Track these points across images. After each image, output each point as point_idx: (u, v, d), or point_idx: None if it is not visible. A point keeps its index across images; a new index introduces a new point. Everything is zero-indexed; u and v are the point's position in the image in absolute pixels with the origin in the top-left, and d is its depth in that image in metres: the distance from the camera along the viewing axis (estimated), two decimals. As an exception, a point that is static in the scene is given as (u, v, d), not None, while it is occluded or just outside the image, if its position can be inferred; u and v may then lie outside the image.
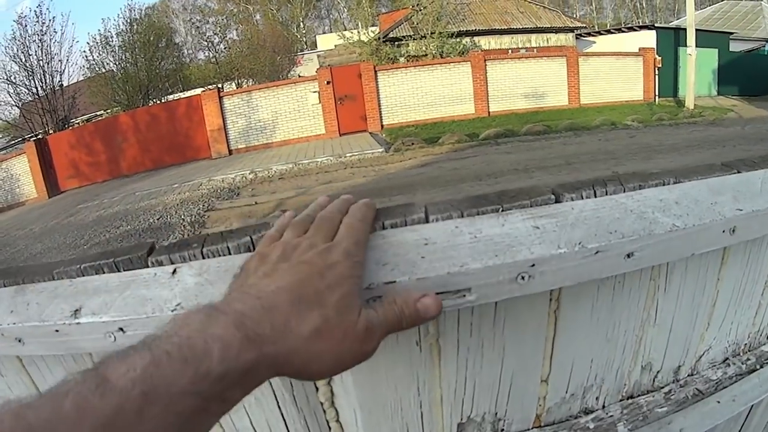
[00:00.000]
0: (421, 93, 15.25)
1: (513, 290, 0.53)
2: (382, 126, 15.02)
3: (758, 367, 0.91)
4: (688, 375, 0.85)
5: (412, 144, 12.46)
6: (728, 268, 0.81)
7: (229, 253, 0.60)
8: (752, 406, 0.86)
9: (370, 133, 14.73)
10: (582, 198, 0.66)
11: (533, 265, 0.53)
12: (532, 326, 0.65)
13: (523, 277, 0.52)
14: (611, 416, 0.76)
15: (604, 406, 0.78)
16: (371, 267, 0.51)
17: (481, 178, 9.25)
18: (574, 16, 26.25)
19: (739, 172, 0.80)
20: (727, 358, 0.92)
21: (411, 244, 0.54)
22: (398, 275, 0.50)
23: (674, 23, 26.17)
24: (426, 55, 16.64)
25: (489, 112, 15.62)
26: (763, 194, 0.71)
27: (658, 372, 0.81)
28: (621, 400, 0.79)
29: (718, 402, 0.82)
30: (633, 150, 11.17)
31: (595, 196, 0.67)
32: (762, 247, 0.83)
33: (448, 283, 0.50)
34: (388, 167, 10.88)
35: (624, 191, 0.69)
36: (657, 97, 17.13)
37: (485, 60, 15.51)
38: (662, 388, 0.82)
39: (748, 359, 0.91)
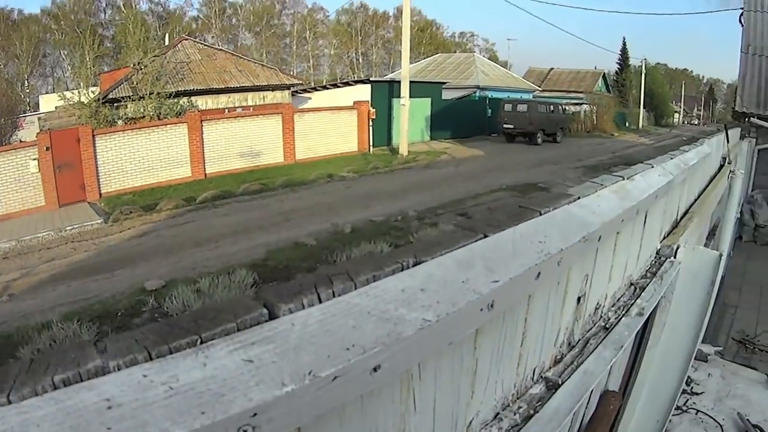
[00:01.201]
0: (139, 157, 17.80)
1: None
2: (100, 194, 17.09)
3: (532, 412, 1.21)
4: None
5: (131, 213, 14.67)
6: (486, 336, 1.01)
7: None
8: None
9: (89, 203, 16.64)
10: (304, 306, 0.70)
11: (255, 415, 0.52)
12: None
13: (245, 433, 0.50)
14: None
15: None
16: None
17: (201, 243, 11.53)
18: (292, 73, 33.10)
19: (486, 236, 1.00)
20: (497, 414, 1.20)
21: (91, 411, 0.50)
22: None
23: (389, 76, 34.71)
24: (144, 116, 19.51)
25: (206, 174, 18.79)
26: (516, 256, 0.91)
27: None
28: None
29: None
30: (350, 200, 15.63)
31: (320, 301, 0.73)
32: (519, 304, 1.07)
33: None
34: (108, 239, 12.71)
35: (356, 287, 0.78)
36: (372, 147, 22.94)
37: (202, 120, 18.85)
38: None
39: (520, 407, 1.22)
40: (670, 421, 3.62)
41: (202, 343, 0.60)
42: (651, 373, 3.42)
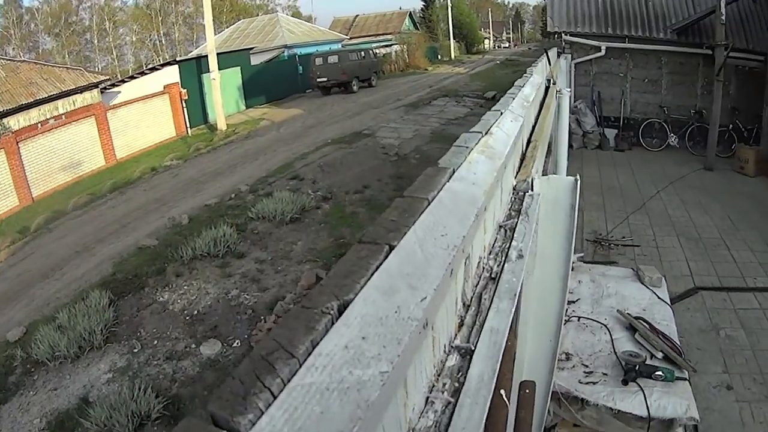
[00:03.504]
0: (-44, 201, 16.08)
1: None
2: None
3: (457, 385, 1.26)
4: None
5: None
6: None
7: None
8: None
9: None
10: (261, 411, 0.69)
11: None
12: None
13: None
14: None
15: None
16: None
17: (47, 275, 11.13)
18: (97, 69, 31.19)
19: (390, 246, 1.12)
20: (428, 398, 1.25)
21: None
22: None
23: (195, 52, 33.99)
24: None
25: (33, 198, 17.32)
26: (429, 261, 1.02)
27: None
28: None
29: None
30: (180, 188, 15.43)
31: (273, 395, 0.70)
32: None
33: None
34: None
35: (300, 363, 0.78)
36: (190, 129, 22.42)
37: (17, 142, 17.17)
38: None
39: (444, 383, 1.26)
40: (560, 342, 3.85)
41: None
42: (534, 302, 3.61)
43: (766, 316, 6.90)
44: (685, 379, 4.50)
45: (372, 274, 1.09)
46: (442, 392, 1.46)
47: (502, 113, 2.88)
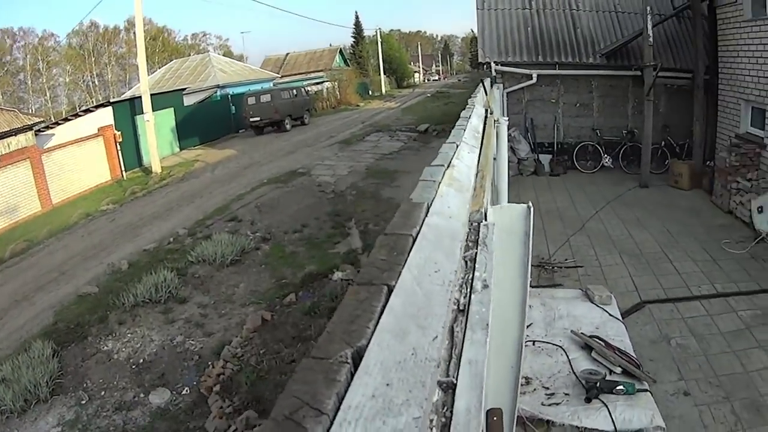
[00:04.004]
0: None
1: None
2: None
3: (444, 420, 1.21)
4: None
5: None
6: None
7: None
8: None
9: None
10: None
11: None
12: None
13: None
14: None
15: None
16: None
17: None
18: (31, 111, 30.27)
19: (389, 287, 1.13)
20: None
21: None
22: None
23: (129, 94, 33.40)
24: None
25: None
26: (430, 299, 1.07)
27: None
28: None
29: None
30: (118, 233, 15.12)
31: None
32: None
33: None
34: None
35: (330, 420, 0.77)
36: (125, 172, 22.07)
37: None
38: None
39: (432, 420, 1.17)
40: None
41: None
42: (493, 330, 3.62)
43: (714, 321, 7.13)
44: (647, 390, 4.61)
45: (379, 317, 1.08)
46: (432, 429, 1.47)
47: (458, 145, 2.92)
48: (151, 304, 10.08)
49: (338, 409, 0.83)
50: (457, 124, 3.88)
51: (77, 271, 12.59)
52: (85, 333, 9.38)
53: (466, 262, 3.08)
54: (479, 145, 4.90)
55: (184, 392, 7.89)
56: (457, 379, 1.80)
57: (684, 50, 15.23)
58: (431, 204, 1.89)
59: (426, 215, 1.78)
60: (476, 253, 3.12)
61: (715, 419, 5.38)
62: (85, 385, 8.09)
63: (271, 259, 12.04)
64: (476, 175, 4.50)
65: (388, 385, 0.90)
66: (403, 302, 1.16)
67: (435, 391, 1.76)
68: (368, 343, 1.01)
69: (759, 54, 11.02)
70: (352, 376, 0.93)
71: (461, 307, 2.55)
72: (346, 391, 0.88)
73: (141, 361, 8.62)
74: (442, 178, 2.24)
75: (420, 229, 1.63)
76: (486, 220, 3.56)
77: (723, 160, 11.64)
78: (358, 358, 0.98)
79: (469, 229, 3.48)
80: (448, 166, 2.44)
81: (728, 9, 12.19)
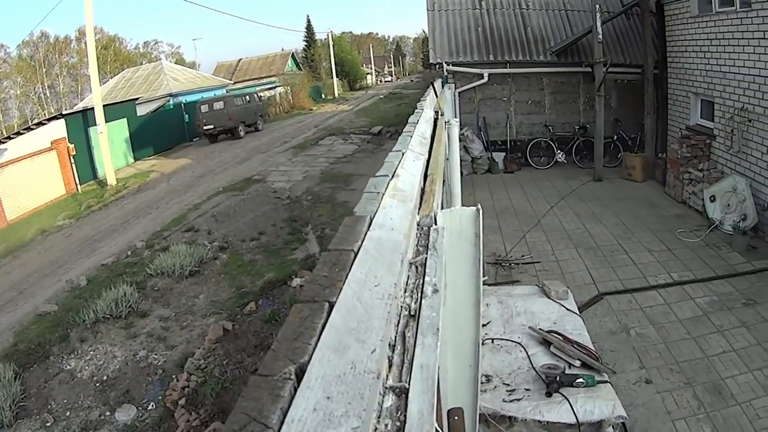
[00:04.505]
0: None
1: None
2: None
3: (399, 424, 1.28)
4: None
5: None
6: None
7: None
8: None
9: None
10: None
11: None
12: None
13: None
14: None
15: None
16: None
17: None
18: None
19: (330, 303, 1.17)
20: None
21: None
22: None
23: (81, 105, 32.82)
24: None
25: None
26: (369, 313, 1.10)
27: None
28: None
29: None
30: (74, 249, 14.89)
31: None
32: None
33: None
34: None
35: None
36: (79, 185, 21.77)
37: None
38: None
39: (386, 424, 1.29)
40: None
41: None
42: (449, 331, 3.72)
43: (672, 310, 7.38)
44: (607, 382, 4.76)
45: (320, 334, 1.15)
46: (384, 435, 1.54)
47: (403, 153, 3.00)
48: (112, 320, 9.96)
49: (282, 422, 0.89)
50: (404, 130, 3.96)
51: (35, 289, 12.38)
52: (47, 353, 9.23)
53: (416, 267, 3.16)
54: (427, 151, 4.99)
55: (150, 407, 7.85)
56: (409, 384, 1.89)
57: (633, 46, 15.64)
58: (374, 217, 1.97)
59: (368, 229, 1.85)
60: (426, 258, 3.21)
61: (678, 405, 5.58)
62: (49, 406, 7.96)
63: (229, 268, 12.01)
64: (425, 180, 4.59)
65: (328, 398, 0.95)
66: (343, 317, 1.22)
67: (387, 397, 1.85)
68: (310, 359, 1.07)
69: (706, 48, 11.41)
70: (296, 391, 0.98)
71: (413, 313, 2.64)
72: (289, 406, 0.93)
73: (105, 378, 8.51)
74: (386, 189, 2.31)
75: (362, 243, 1.70)
76: (436, 224, 3.65)
77: (675, 151, 12.01)
78: (300, 374, 1.04)
79: (419, 234, 3.57)
80: (393, 176, 2.52)
81: (675, 5, 12.59)
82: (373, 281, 1.40)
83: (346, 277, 1.43)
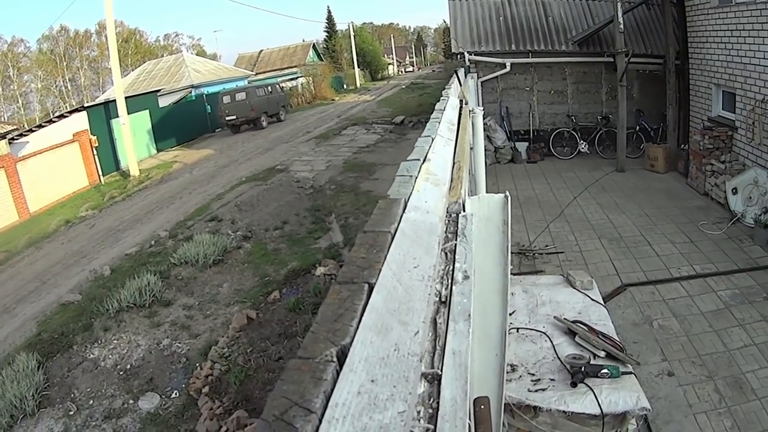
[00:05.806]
0: None
1: None
2: None
3: (431, 411, 1.27)
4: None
5: None
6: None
7: None
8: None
9: None
10: None
11: None
12: None
13: None
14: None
15: None
16: None
17: None
18: (3, 119, 29.66)
19: (370, 284, 1.16)
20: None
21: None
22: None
23: (103, 97, 33.00)
24: None
25: None
26: (410, 294, 1.14)
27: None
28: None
29: None
30: (98, 239, 14.93)
31: None
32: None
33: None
34: None
35: (319, 421, 0.79)
36: (102, 177, 21.89)
37: None
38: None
39: (419, 411, 1.31)
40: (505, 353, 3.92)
41: None
42: (476, 319, 3.65)
43: (695, 302, 7.24)
44: (631, 373, 4.67)
45: (362, 315, 1.10)
46: (419, 420, 1.50)
47: (433, 138, 2.94)
48: (135, 309, 9.99)
49: (326, 407, 0.85)
50: (432, 116, 3.89)
51: (59, 279, 12.39)
52: (70, 342, 9.25)
53: (446, 254, 3.11)
54: (455, 137, 4.92)
55: (173, 396, 7.87)
56: (441, 371, 1.83)
57: (654, 36, 15.38)
58: (408, 199, 1.91)
59: (404, 211, 1.80)
60: (456, 244, 3.15)
61: (700, 398, 5.49)
62: (72, 395, 8.00)
63: (253, 257, 12.01)
64: (453, 167, 4.53)
65: (372, 381, 0.92)
66: (384, 299, 1.18)
67: (419, 384, 1.80)
68: (352, 341, 1.03)
69: (727, 39, 11.17)
70: (338, 374, 0.94)
71: (443, 299, 2.58)
72: (332, 390, 0.89)
73: (128, 366, 8.54)
74: (419, 172, 2.26)
75: (398, 225, 1.64)
76: (464, 211, 3.58)
77: (697, 143, 11.80)
78: (342, 357, 1.00)
79: (448, 220, 3.51)
80: (424, 161, 2.46)
81: (696, -3, 12.37)
82: (411, 263, 1.35)
83: (385, 258, 1.38)
